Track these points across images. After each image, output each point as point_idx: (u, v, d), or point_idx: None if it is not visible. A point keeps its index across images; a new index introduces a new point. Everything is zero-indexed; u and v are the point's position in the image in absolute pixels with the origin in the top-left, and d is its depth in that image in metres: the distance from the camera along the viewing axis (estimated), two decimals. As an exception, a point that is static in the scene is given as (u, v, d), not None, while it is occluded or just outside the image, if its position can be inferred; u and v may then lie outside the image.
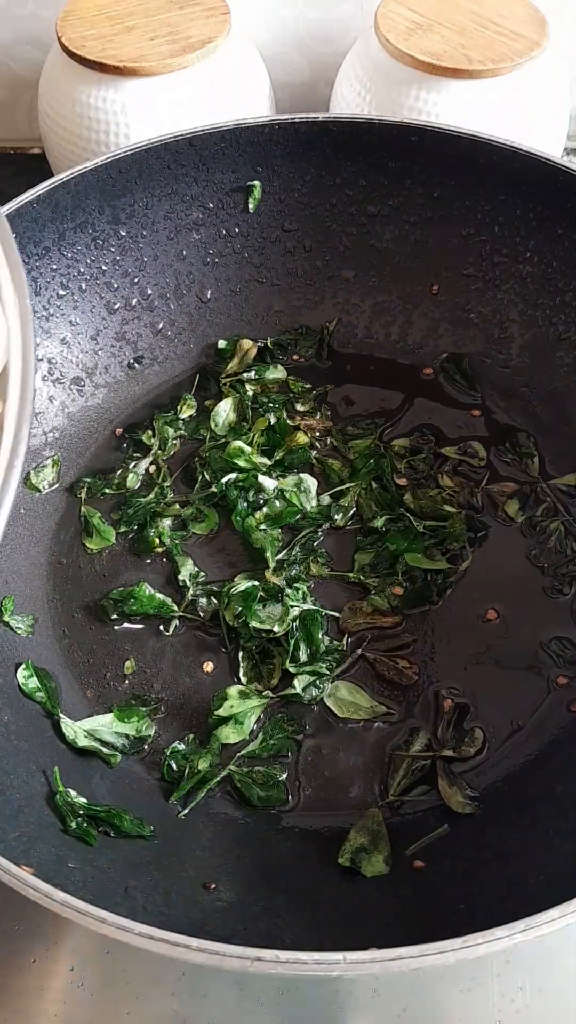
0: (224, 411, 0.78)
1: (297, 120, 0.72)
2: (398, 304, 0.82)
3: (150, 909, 0.48)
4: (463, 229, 0.76)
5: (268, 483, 0.73)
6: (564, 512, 0.72)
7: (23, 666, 0.62)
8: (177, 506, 0.73)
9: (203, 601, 0.69)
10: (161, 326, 0.81)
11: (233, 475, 0.73)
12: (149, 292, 0.78)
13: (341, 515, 0.73)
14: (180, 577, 0.70)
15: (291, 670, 0.64)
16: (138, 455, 0.77)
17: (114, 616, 0.68)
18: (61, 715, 0.62)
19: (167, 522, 0.73)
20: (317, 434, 0.78)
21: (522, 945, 0.39)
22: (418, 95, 0.81)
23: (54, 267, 0.74)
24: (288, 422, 0.77)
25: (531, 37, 0.79)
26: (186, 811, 0.59)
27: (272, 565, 0.69)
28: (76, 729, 0.61)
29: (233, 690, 0.64)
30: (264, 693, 0.64)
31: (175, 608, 0.68)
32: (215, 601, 0.68)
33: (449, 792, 0.59)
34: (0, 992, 0.56)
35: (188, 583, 0.69)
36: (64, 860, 0.49)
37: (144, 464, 0.76)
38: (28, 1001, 0.56)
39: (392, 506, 0.73)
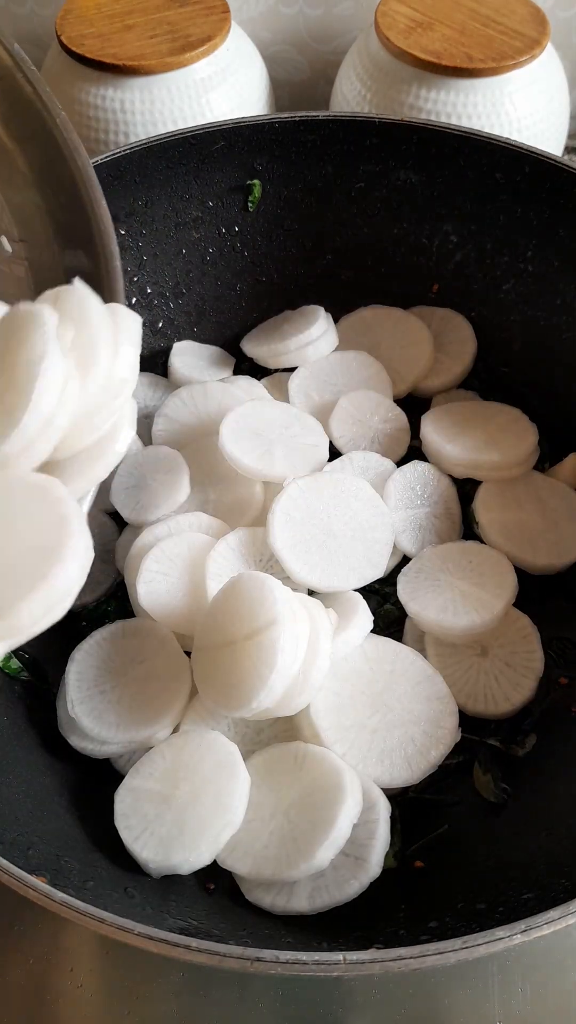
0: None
1: (297, 119, 0.72)
2: (398, 303, 0.82)
3: (150, 909, 0.48)
4: (463, 228, 0.76)
5: None
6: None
7: None
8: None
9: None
10: (160, 325, 0.81)
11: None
12: (148, 291, 0.78)
13: None
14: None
15: None
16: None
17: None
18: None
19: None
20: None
21: (522, 945, 0.39)
22: (418, 93, 0.81)
23: (53, 266, 0.74)
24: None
25: (532, 35, 0.79)
26: None
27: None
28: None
29: None
30: None
31: None
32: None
33: (483, 780, 0.60)
34: (0, 992, 0.56)
35: None
36: (63, 860, 0.49)
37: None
38: (28, 1001, 0.56)
39: None
